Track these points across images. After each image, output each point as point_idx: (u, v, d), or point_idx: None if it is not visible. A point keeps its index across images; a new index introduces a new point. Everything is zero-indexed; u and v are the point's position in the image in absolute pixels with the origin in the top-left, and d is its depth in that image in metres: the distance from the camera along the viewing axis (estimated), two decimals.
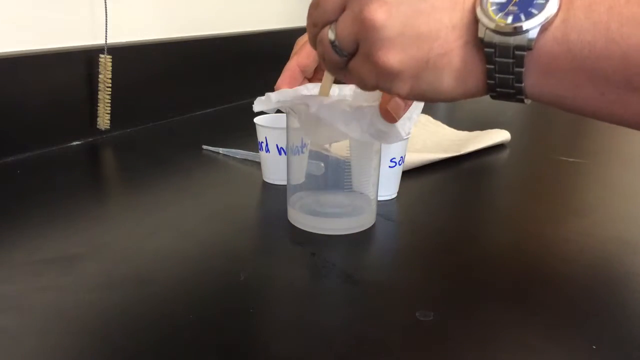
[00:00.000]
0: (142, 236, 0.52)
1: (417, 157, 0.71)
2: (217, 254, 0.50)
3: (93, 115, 0.80)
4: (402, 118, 0.47)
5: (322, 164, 0.54)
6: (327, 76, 0.49)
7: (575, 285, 0.46)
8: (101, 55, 0.78)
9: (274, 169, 0.64)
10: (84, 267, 0.46)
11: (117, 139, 0.82)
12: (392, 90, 0.36)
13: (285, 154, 0.59)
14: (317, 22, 0.38)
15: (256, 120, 0.64)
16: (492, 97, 0.35)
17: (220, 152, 0.76)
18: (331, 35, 0.37)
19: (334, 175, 0.54)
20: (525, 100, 0.34)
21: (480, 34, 0.32)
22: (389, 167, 0.60)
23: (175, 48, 0.93)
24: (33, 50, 0.74)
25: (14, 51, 0.72)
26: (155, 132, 0.87)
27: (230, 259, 0.49)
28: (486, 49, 0.33)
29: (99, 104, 0.79)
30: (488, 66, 0.33)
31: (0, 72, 0.69)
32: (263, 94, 0.49)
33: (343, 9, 0.36)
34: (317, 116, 0.45)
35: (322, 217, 0.54)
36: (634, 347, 0.38)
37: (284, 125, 0.55)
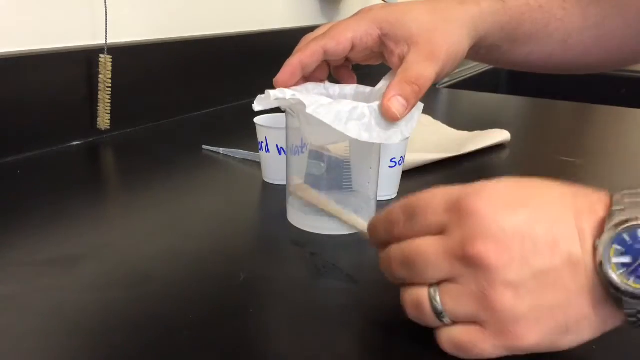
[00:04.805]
0: (142, 236, 0.52)
1: (417, 157, 0.70)
2: (216, 253, 0.50)
3: (93, 115, 0.80)
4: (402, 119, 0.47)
5: (322, 164, 0.54)
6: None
7: None
8: (101, 55, 0.78)
9: (274, 169, 0.64)
10: (84, 267, 0.46)
11: (117, 139, 0.82)
12: (518, 354, 0.33)
13: (285, 154, 0.59)
14: (410, 278, 0.35)
15: (256, 120, 0.64)
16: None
17: (220, 152, 0.76)
18: (437, 305, 0.34)
19: (334, 175, 0.54)
20: None
21: (615, 300, 0.31)
22: (389, 167, 0.60)
23: (175, 48, 0.93)
24: (33, 50, 0.74)
25: (14, 51, 0.72)
26: (155, 132, 0.87)
27: (230, 259, 0.49)
28: (626, 310, 0.31)
29: (99, 104, 0.79)
30: (630, 319, 0.31)
31: (0, 72, 0.69)
32: (263, 94, 0.49)
33: (450, 273, 0.33)
34: (316, 116, 0.45)
35: (322, 217, 0.54)
36: (634, 347, 0.38)
37: (284, 125, 0.55)
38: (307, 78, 0.53)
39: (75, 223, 0.54)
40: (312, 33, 0.54)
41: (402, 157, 0.61)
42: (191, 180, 0.67)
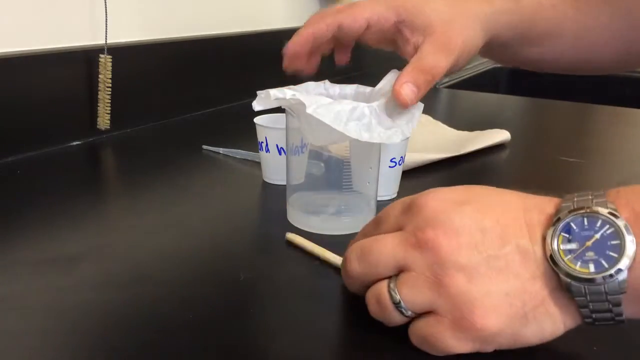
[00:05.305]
0: (142, 236, 0.52)
1: (417, 157, 0.71)
2: (216, 253, 0.50)
3: (93, 115, 0.80)
4: (402, 118, 0.47)
5: (322, 164, 0.54)
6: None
7: None
8: (101, 55, 0.78)
9: (274, 169, 0.64)
10: (84, 267, 0.46)
11: (117, 139, 0.82)
12: (487, 349, 0.34)
13: (285, 154, 0.59)
14: (367, 278, 0.37)
15: (256, 120, 0.64)
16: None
17: (220, 152, 0.76)
18: (395, 295, 0.35)
19: (334, 175, 0.54)
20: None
21: (566, 286, 0.32)
22: (389, 167, 0.60)
23: (175, 48, 0.93)
24: (33, 50, 0.74)
25: (14, 51, 0.72)
26: (155, 132, 0.87)
27: (230, 259, 0.49)
28: (577, 298, 0.32)
29: (99, 104, 0.79)
30: (582, 310, 0.32)
31: (0, 72, 0.69)
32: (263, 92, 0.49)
33: (404, 261, 0.35)
34: (316, 116, 0.45)
35: (322, 217, 0.54)
36: (634, 347, 0.38)
37: (284, 125, 0.55)
38: (312, 52, 0.54)
39: (75, 223, 0.54)
40: (322, 11, 0.54)
41: (402, 157, 0.61)
42: (191, 180, 0.67)
